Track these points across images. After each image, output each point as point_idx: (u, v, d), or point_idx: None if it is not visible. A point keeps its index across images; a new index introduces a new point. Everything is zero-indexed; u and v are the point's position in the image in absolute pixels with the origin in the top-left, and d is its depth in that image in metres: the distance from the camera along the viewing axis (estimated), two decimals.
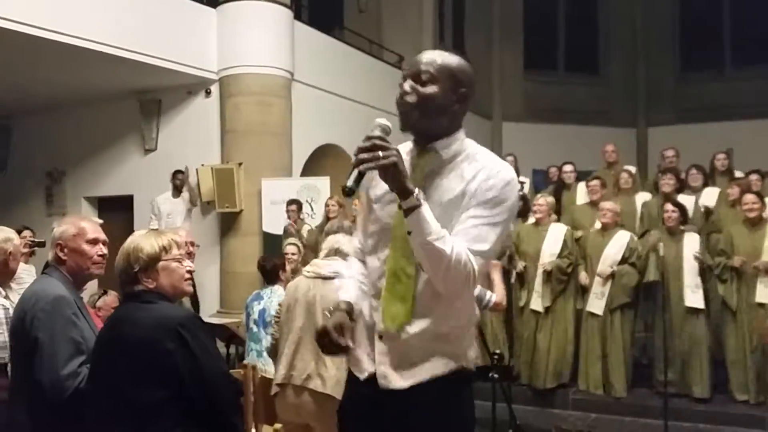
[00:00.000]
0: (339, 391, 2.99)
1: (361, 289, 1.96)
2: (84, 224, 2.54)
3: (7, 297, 2.96)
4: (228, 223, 8.06)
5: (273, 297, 4.71)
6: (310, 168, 8.87)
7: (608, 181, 7.05)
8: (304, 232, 7.08)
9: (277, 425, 3.21)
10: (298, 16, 8.65)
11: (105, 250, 2.54)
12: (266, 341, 4.64)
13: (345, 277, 2.06)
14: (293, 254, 5.71)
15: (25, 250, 5.45)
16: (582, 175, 7.64)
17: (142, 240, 2.19)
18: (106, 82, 8.04)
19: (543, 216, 6.08)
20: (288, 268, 5.15)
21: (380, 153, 1.61)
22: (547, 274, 5.84)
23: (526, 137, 11.92)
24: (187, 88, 8.19)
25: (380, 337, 1.86)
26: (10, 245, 2.93)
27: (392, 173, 1.62)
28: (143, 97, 8.50)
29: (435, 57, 1.84)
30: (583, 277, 5.88)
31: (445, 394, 1.85)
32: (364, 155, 1.62)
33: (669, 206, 5.73)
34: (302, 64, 8.37)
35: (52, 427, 2.32)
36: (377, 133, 1.66)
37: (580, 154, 9.29)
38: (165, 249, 2.18)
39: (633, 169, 7.60)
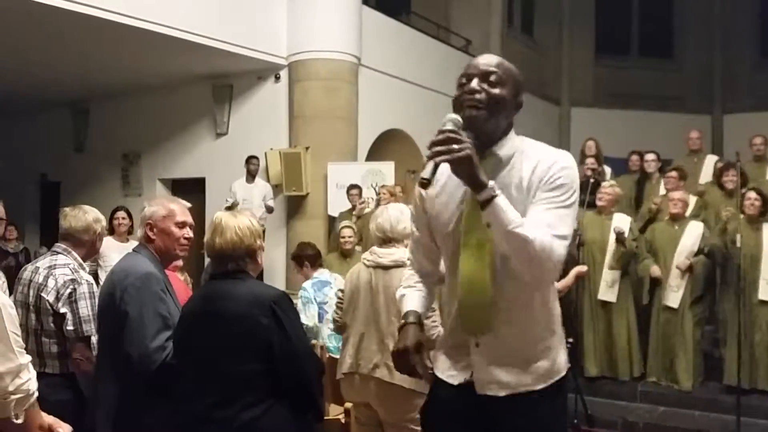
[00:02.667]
0: (405, 380, 3.00)
1: (423, 297, 2.02)
2: (173, 207, 2.64)
3: (95, 273, 3.11)
4: (295, 206, 8.20)
5: (339, 281, 4.71)
6: (375, 152, 8.92)
7: (691, 170, 6.84)
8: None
9: (348, 404, 3.27)
10: (366, 1, 8.67)
11: (191, 234, 2.63)
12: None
13: (405, 280, 2.10)
14: (350, 237, 5.83)
15: (123, 229, 5.74)
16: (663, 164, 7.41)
17: (252, 223, 2.33)
18: (180, 67, 8.28)
19: (606, 205, 5.90)
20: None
21: (455, 146, 1.62)
22: (619, 241, 5.68)
23: (595, 123, 11.62)
24: (257, 74, 8.35)
25: (476, 345, 1.87)
26: (98, 226, 3.07)
27: (467, 166, 1.63)
28: (216, 82, 8.71)
29: (500, 60, 1.86)
30: (655, 270, 5.68)
31: (543, 405, 1.87)
32: (439, 147, 1.63)
33: (752, 194, 5.48)
34: (369, 49, 8.40)
35: (138, 400, 2.41)
36: (450, 126, 1.67)
37: (652, 141, 9.04)
38: (260, 236, 2.35)
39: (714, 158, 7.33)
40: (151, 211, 2.63)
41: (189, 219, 2.67)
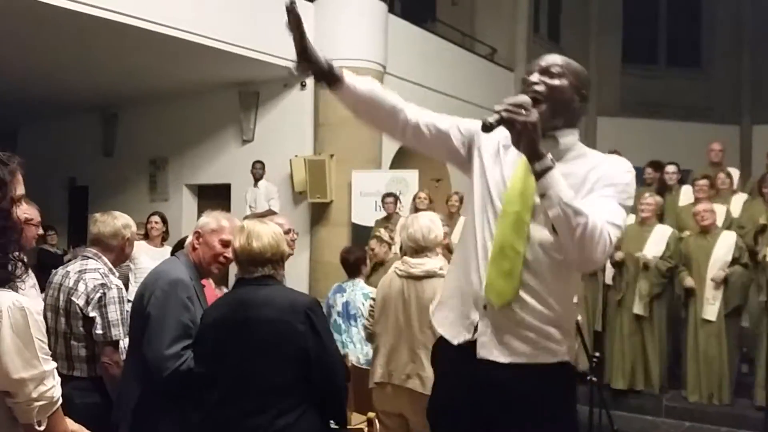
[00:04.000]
0: None
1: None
2: (225, 224, 2.66)
3: (126, 276, 3.14)
4: (318, 214, 8.24)
5: (356, 290, 4.74)
6: (400, 161, 8.92)
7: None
8: (398, 225, 7.13)
9: (371, 414, 3.25)
10: (391, 9, 8.69)
11: (231, 256, 2.60)
12: (355, 331, 4.72)
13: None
14: (371, 249, 5.82)
15: (156, 234, 5.81)
16: (683, 175, 7.30)
17: (280, 230, 2.37)
18: (207, 74, 8.37)
19: (649, 216, 5.84)
20: (367, 262, 5.15)
21: (524, 110, 1.62)
22: (645, 268, 5.64)
23: (621, 133, 11.51)
24: (283, 81, 8.40)
25: (485, 308, 1.84)
26: (128, 231, 3.09)
27: (530, 133, 1.62)
28: (242, 89, 8.78)
29: (563, 58, 1.89)
30: (688, 281, 5.62)
31: (547, 382, 1.83)
32: (511, 107, 1.62)
33: None
34: (395, 57, 8.42)
35: (156, 403, 2.43)
36: (523, 98, 1.68)
37: (679, 151, 8.91)
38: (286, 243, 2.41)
39: (734, 171, 7.20)
40: (204, 221, 2.68)
41: None
